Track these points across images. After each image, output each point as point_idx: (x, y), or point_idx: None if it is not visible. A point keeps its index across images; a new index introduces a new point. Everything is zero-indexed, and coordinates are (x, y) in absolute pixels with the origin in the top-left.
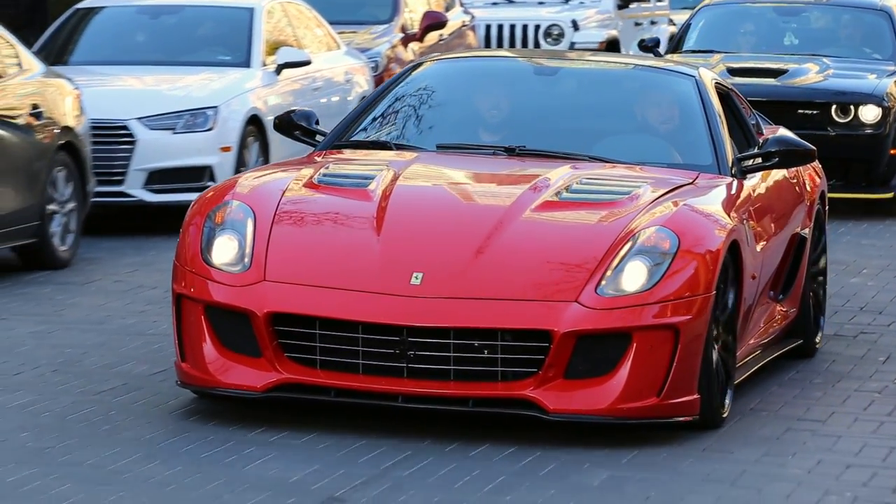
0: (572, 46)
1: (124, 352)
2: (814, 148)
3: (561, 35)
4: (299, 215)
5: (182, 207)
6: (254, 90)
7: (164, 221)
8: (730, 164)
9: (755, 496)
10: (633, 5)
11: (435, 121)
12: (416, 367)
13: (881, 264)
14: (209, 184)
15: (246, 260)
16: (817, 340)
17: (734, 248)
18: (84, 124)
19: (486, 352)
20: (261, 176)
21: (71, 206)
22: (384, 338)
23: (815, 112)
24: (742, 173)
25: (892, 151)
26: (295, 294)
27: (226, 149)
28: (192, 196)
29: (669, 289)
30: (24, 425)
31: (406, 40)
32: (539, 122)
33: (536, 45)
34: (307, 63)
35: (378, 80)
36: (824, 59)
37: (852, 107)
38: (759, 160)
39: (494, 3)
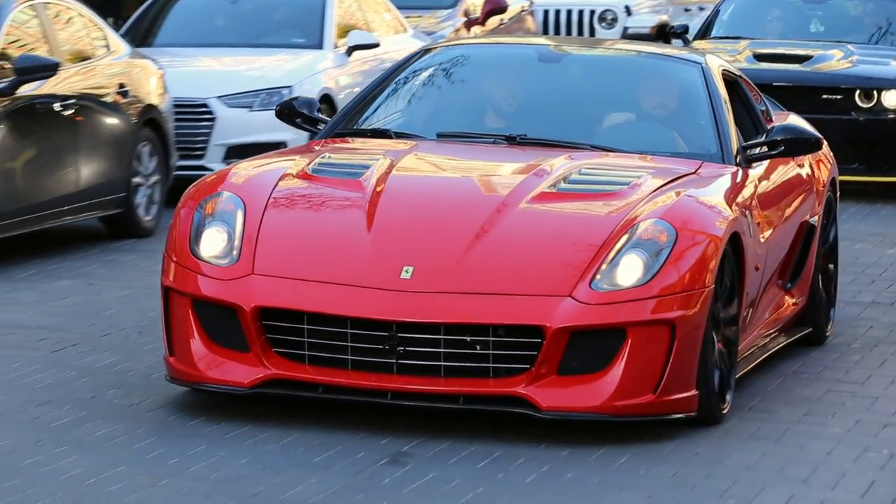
0: (625, 31)
1: None
2: (820, 137)
3: (615, 20)
4: (290, 207)
5: None
6: (325, 71)
7: None
8: (734, 153)
9: (797, 453)
10: None
11: (436, 109)
12: (406, 364)
13: None
14: None
15: (234, 253)
16: (828, 329)
17: (735, 240)
18: (167, 102)
19: (478, 347)
20: (256, 166)
21: (155, 178)
22: (373, 333)
23: (839, 97)
24: (747, 162)
25: None
26: (283, 288)
27: None
28: None
29: (666, 283)
30: (112, 383)
31: (468, 24)
32: (542, 110)
33: (591, 29)
34: (376, 45)
35: None
36: (849, 46)
37: (876, 92)
38: (765, 149)
39: None
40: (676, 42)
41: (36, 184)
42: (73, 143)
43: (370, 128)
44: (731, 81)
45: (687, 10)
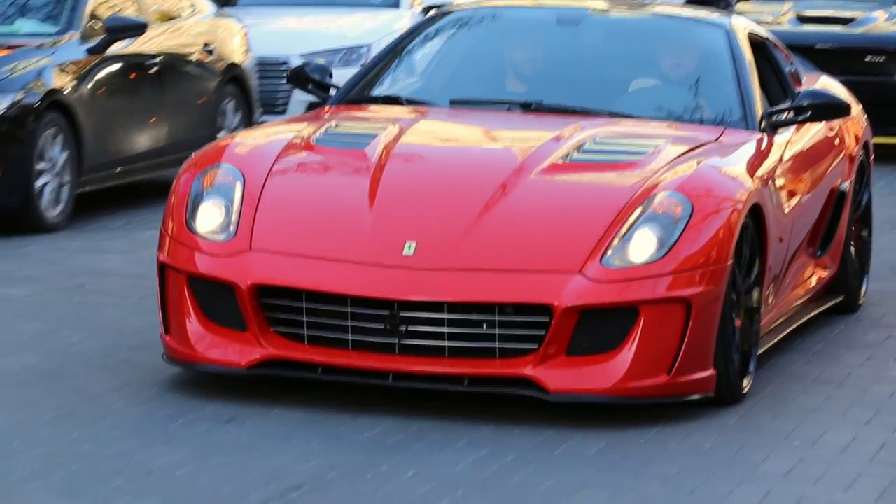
0: None
1: None
2: (848, 103)
3: None
4: (291, 180)
5: None
6: (402, 30)
7: None
8: (759, 119)
9: (860, 396)
10: None
11: (450, 74)
12: (409, 344)
13: None
14: None
15: (231, 228)
16: (861, 297)
17: (756, 212)
18: (251, 60)
19: (484, 326)
20: (259, 136)
21: None
22: (374, 312)
23: (881, 59)
24: (773, 128)
25: None
26: (281, 265)
27: None
28: None
29: (681, 259)
30: None
31: None
32: (559, 76)
33: None
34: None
35: None
36: (893, 8)
37: None
38: (791, 114)
39: None
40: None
41: (126, 139)
42: (161, 99)
43: (382, 94)
44: (758, 44)
45: None
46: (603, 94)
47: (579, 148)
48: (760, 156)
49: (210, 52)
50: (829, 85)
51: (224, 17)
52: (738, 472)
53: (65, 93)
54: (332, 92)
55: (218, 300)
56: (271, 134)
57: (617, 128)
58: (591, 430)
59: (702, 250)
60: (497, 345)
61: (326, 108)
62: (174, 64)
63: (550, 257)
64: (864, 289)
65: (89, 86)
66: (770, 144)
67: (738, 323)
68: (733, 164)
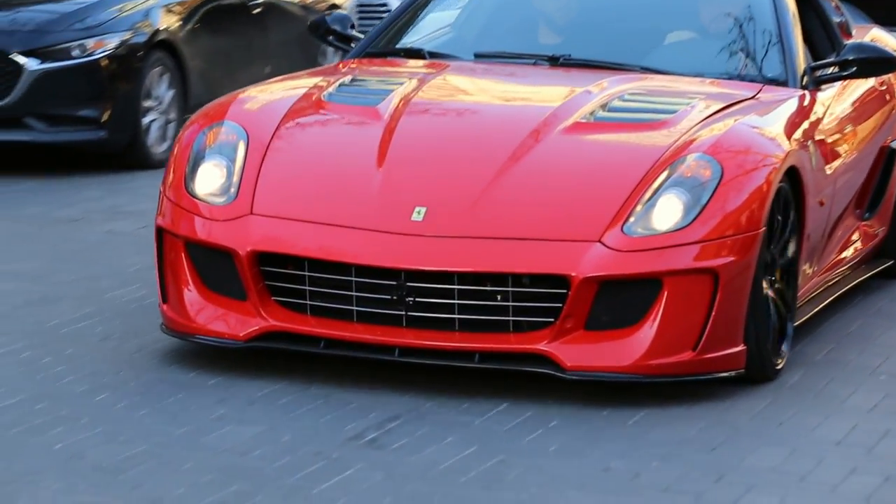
0: None
1: None
2: (895, 56)
3: None
4: (298, 139)
5: None
6: None
7: None
8: (801, 75)
9: None
10: None
11: (476, 27)
12: (416, 316)
13: None
14: None
15: (232, 190)
16: None
17: (793, 175)
18: (352, 1)
19: (498, 297)
20: (268, 91)
21: None
22: (380, 282)
23: None
24: (816, 84)
25: None
26: (283, 231)
27: None
28: None
29: (708, 227)
30: None
31: None
32: (589, 28)
33: None
34: None
35: None
36: None
37: None
38: (836, 69)
39: None
40: None
41: (229, 78)
42: (264, 39)
43: (403, 47)
44: None
45: None
46: (635, 48)
47: (605, 106)
48: (800, 114)
49: None
50: (880, 38)
51: None
52: (825, 406)
53: (171, 32)
54: (355, 45)
55: (217, 268)
56: (281, 90)
57: (647, 84)
58: None
59: (731, 217)
60: (511, 318)
61: (345, 61)
62: (277, 4)
63: (568, 225)
64: None
65: (195, 25)
66: (812, 102)
67: (771, 294)
68: (769, 124)
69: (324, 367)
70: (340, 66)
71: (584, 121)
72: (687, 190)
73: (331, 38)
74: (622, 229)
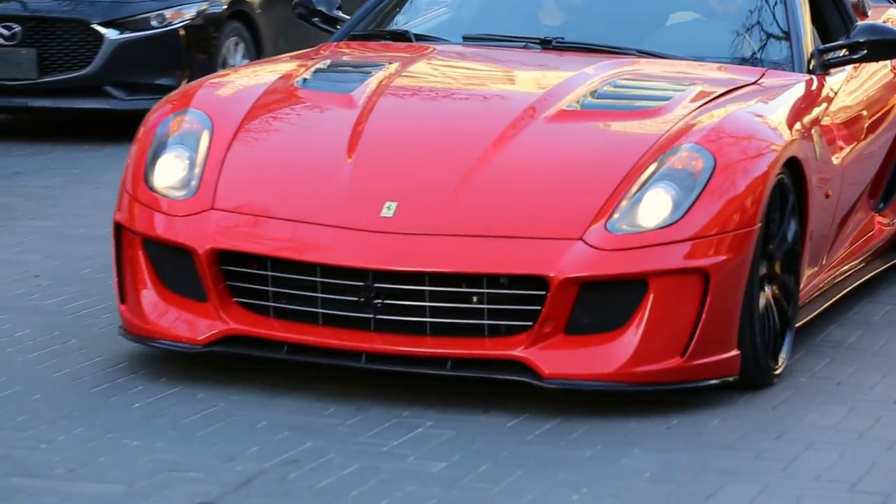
0: None
1: None
2: None
3: None
4: (266, 129)
5: None
6: None
7: None
8: (807, 58)
9: None
10: None
11: (468, 8)
12: (385, 319)
13: None
14: None
15: (193, 183)
16: None
17: (794, 166)
18: None
19: (474, 300)
20: (239, 76)
21: None
22: (347, 283)
23: None
24: (824, 68)
25: None
26: (245, 227)
27: None
28: None
29: (699, 223)
30: None
31: None
32: (584, 9)
33: None
34: None
35: None
36: None
37: None
38: (845, 52)
39: None
40: None
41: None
42: None
43: (388, 30)
44: None
45: None
46: (634, 31)
47: (594, 92)
48: (805, 100)
49: None
50: (891, 19)
51: None
52: (882, 365)
53: (247, 3)
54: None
55: (176, 267)
56: (255, 75)
57: (642, 68)
58: None
59: (724, 212)
60: (486, 321)
61: (327, 44)
62: None
63: (548, 221)
64: None
65: None
66: (820, 87)
67: (770, 294)
68: (770, 111)
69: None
70: (322, 49)
71: (570, 108)
72: (676, 183)
73: (316, 19)
74: (606, 226)
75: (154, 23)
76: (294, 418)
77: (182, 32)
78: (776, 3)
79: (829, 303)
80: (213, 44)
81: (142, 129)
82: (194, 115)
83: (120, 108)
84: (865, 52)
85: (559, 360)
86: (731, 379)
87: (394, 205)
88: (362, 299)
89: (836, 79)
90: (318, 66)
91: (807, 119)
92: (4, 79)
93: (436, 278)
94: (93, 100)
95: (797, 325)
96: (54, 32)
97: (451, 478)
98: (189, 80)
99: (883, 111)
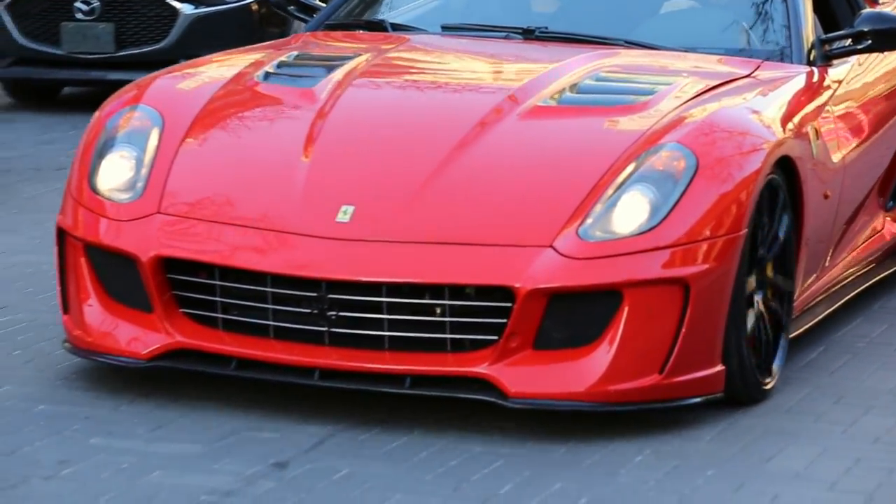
0: None
1: None
2: None
3: None
4: (220, 127)
5: None
6: None
7: None
8: (807, 49)
9: None
10: None
11: None
12: (340, 333)
13: None
14: None
15: (139, 185)
16: None
17: (787, 166)
18: None
19: (437, 311)
20: (198, 68)
21: None
22: (299, 293)
23: None
24: (826, 59)
25: None
26: (193, 233)
27: None
28: None
29: (679, 229)
30: None
31: None
32: None
33: None
34: None
35: None
36: None
37: None
38: (849, 42)
39: None
40: None
41: None
42: None
43: (362, 20)
44: None
45: None
46: (621, 19)
47: (573, 87)
48: (804, 94)
49: None
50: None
51: None
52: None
53: None
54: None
55: (120, 275)
56: (216, 67)
57: (627, 60)
58: None
59: (706, 217)
60: (448, 335)
61: (298, 34)
62: None
63: (515, 227)
64: None
65: None
66: (821, 80)
67: (760, 304)
68: (762, 107)
69: None
70: (293, 40)
71: (545, 104)
72: (655, 185)
73: (292, 7)
74: (577, 232)
75: None
76: None
77: (255, 7)
78: None
79: (832, 307)
80: (285, 19)
81: (91, 124)
82: (144, 111)
83: None
84: (870, 42)
85: (526, 377)
86: (714, 397)
87: (350, 209)
88: (315, 311)
89: (839, 70)
90: (282, 58)
91: (804, 115)
92: (83, 52)
93: (394, 289)
94: None
95: (795, 334)
96: (132, 7)
97: None
98: None
99: (889, 106)
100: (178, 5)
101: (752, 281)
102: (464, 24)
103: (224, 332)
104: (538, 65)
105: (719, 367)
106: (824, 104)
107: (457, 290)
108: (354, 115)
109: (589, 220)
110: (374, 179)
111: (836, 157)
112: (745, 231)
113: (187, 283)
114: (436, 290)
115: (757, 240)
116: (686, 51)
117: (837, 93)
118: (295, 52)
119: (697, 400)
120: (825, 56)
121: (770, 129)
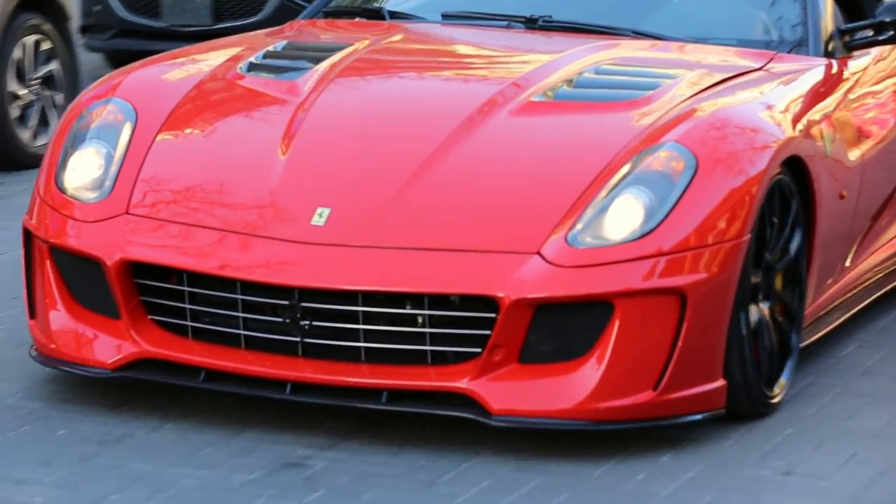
0: None
1: None
2: None
3: None
4: (197, 121)
5: None
6: None
7: None
8: (825, 40)
9: None
10: None
11: None
12: (314, 343)
13: None
14: None
15: (107, 184)
16: None
17: (796, 167)
18: None
19: (419, 321)
20: (179, 59)
21: None
22: (271, 301)
23: None
24: (847, 50)
25: None
26: (162, 235)
27: None
28: None
29: (675, 236)
30: None
31: None
32: None
33: None
34: None
35: None
36: None
37: None
38: (870, 32)
39: None
40: None
41: None
42: None
43: (360, 7)
44: None
45: None
46: (629, 8)
47: (570, 81)
48: (819, 88)
49: None
50: None
51: None
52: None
53: None
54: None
55: (86, 280)
56: (199, 57)
57: (632, 52)
58: None
59: (706, 222)
60: (428, 347)
61: (294, 22)
62: None
63: (501, 233)
64: None
65: None
66: (840, 73)
67: (766, 313)
68: (772, 102)
69: None
70: (288, 28)
71: (538, 100)
72: (650, 188)
73: None
74: (566, 239)
75: None
76: None
77: None
78: None
79: (850, 313)
80: None
81: (63, 117)
82: (117, 104)
83: None
84: (892, 32)
85: (510, 393)
86: (715, 413)
87: (326, 211)
88: (288, 320)
89: (859, 62)
90: (269, 48)
91: (818, 110)
92: (182, 25)
93: (370, 297)
94: None
95: (806, 343)
96: None
97: None
98: None
99: None
100: None
101: (757, 288)
102: (464, 12)
103: (194, 342)
104: (537, 56)
105: (720, 383)
106: (842, 98)
107: (438, 300)
108: (336, 111)
109: (578, 226)
110: (353, 179)
111: (853, 155)
112: (747, 237)
113: (155, 289)
114: (415, 299)
115: (764, 243)
116: (696, 42)
117: (857, 86)
118: (284, 42)
119: (697, 417)
120: (845, 47)
121: (779, 126)
